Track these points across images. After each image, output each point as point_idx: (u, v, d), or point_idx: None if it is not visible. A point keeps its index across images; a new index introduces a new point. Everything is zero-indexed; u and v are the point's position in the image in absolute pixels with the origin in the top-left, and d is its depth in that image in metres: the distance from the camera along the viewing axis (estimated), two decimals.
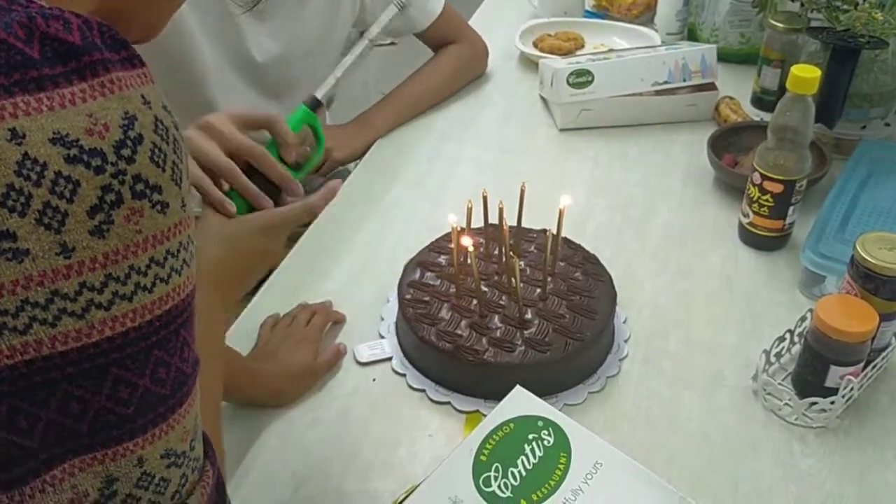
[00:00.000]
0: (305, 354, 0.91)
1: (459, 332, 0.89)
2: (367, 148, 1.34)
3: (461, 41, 1.48)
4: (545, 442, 0.70)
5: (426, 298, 0.93)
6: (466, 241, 0.88)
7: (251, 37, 1.22)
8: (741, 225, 1.10)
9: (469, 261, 0.91)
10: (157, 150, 0.41)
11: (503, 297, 0.93)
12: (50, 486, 0.42)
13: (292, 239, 1.17)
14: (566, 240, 1.01)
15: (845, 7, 1.18)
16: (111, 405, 0.42)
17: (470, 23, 1.80)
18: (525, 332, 0.89)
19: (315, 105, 0.84)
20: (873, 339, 0.84)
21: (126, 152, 0.39)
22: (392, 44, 4.00)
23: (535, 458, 0.69)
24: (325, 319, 0.98)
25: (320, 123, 0.85)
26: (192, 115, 0.84)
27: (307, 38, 1.27)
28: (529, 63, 1.58)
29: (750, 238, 1.10)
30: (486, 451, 0.69)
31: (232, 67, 1.22)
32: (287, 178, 0.79)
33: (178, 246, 0.43)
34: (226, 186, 0.77)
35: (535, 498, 0.66)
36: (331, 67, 1.16)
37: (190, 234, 0.45)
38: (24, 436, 0.40)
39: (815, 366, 0.85)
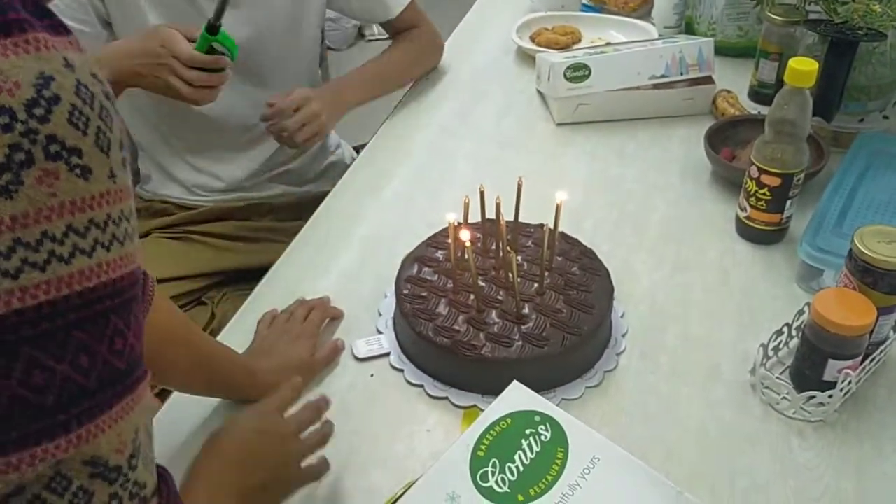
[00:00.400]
0: (302, 350, 0.91)
1: (457, 327, 0.89)
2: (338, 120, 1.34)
3: (422, 27, 1.49)
4: (542, 437, 0.70)
5: (424, 294, 0.93)
6: (465, 235, 0.88)
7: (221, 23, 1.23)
8: (738, 219, 1.10)
9: (466, 256, 0.91)
10: (76, 113, 0.39)
11: (500, 292, 0.93)
12: None
13: None
14: (563, 234, 1.01)
15: None
16: (25, 392, 0.39)
17: (467, 17, 1.82)
18: (522, 327, 0.88)
19: (210, 29, 1.06)
20: (871, 332, 0.84)
21: (39, 111, 0.37)
22: (390, 38, 3.99)
23: (532, 453, 0.69)
24: (322, 315, 0.97)
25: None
26: (168, 102, 1.12)
27: (278, 20, 1.27)
28: (526, 57, 1.58)
29: (747, 232, 1.09)
30: (483, 447, 0.69)
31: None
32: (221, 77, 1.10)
33: (106, 218, 0.41)
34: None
35: (532, 493, 0.66)
36: (311, 45, 1.24)
37: (125, 209, 0.42)
38: None
39: (813, 359, 0.84)
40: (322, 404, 0.82)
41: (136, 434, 0.44)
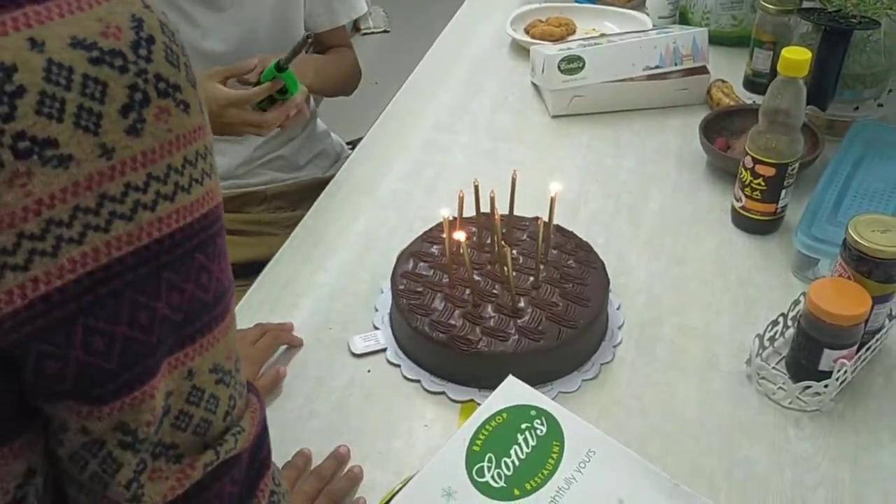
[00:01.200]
0: None
1: (453, 322, 0.89)
2: None
3: (352, 50, 1.47)
4: (538, 431, 0.70)
5: (419, 289, 0.93)
6: (459, 236, 0.88)
7: (209, 28, 1.24)
8: (734, 209, 1.10)
9: (461, 251, 0.91)
10: (169, 51, 0.41)
11: (496, 287, 0.93)
12: (129, 405, 0.43)
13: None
14: (558, 227, 1.01)
15: None
16: (168, 312, 0.43)
17: (461, 9, 1.82)
18: (518, 320, 0.89)
19: (278, 69, 1.10)
20: (867, 321, 0.84)
21: (143, 52, 0.40)
22: (385, 31, 3.98)
23: (528, 447, 0.69)
24: (272, 341, 0.94)
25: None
26: None
27: (265, 20, 1.28)
28: (521, 50, 1.58)
29: (743, 222, 1.09)
30: (479, 442, 0.70)
31: (192, 61, 1.23)
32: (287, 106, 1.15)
33: (205, 149, 0.44)
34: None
35: (528, 487, 0.67)
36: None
37: (212, 141, 0.45)
38: (103, 357, 0.41)
39: (809, 349, 0.85)
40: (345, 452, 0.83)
41: (237, 344, 0.50)
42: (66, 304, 0.39)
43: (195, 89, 0.43)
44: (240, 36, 1.26)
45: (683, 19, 1.62)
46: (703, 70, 1.39)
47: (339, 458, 0.82)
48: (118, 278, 0.40)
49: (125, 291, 0.41)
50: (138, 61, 0.39)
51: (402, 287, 0.94)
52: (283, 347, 0.95)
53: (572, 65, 1.33)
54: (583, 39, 1.48)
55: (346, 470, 0.81)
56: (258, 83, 1.12)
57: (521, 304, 0.90)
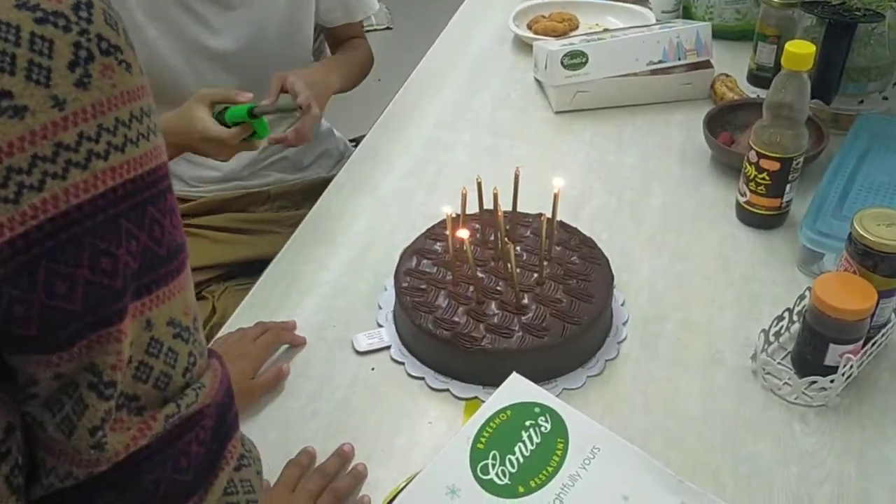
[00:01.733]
0: (238, 374, 0.86)
1: (457, 319, 0.89)
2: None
3: (366, 40, 1.47)
4: (542, 428, 0.70)
5: (423, 286, 0.93)
6: (463, 234, 0.88)
7: (218, 27, 1.24)
8: (738, 204, 1.10)
9: (465, 247, 0.91)
10: (107, 14, 0.44)
11: (500, 283, 0.93)
12: (96, 343, 0.44)
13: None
14: (562, 223, 1.00)
15: None
16: (130, 260, 0.45)
17: (463, 6, 1.81)
18: (522, 317, 0.88)
19: (251, 115, 1.07)
20: (872, 316, 0.83)
21: (83, 14, 0.42)
22: (388, 28, 3.98)
23: (532, 444, 0.69)
24: (273, 339, 0.94)
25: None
26: (164, 103, 1.03)
27: (274, 21, 1.27)
28: (524, 45, 1.57)
29: (747, 217, 1.09)
30: (483, 439, 0.69)
31: (202, 61, 1.24)
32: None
33: (148, 107, 0.46)
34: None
35: (532, 485, 0.66)
36: (307, 42, 1.31)
37: (152, 101, 0.47)
38: (66, 300, 0.43)
39: (814, 344, 0.84)
40: (348, 448, 0.83)
41: (195, 305, 0.51)
42: (29, 249, 0.41)
43: (134, 52, 0.45)
44: (249, 35, 1.25)
45: (687, 14, 1.61)
46: (706, 64, 1.38)
47: (342, 455, 0.82)
48: (78, 225, 0.42)
49: (85, 237, 0.43)
50: (80, 22, 0.42)
51: (405, 284, 0.94)
52: (285, 346, 0.95)
53: (575, 60, 1.33)
54: (586, 35, 1.48)
55: (349, 468, 0.81)
56: (229, 118, 1.09)
57: (525, 301, 0.90)
